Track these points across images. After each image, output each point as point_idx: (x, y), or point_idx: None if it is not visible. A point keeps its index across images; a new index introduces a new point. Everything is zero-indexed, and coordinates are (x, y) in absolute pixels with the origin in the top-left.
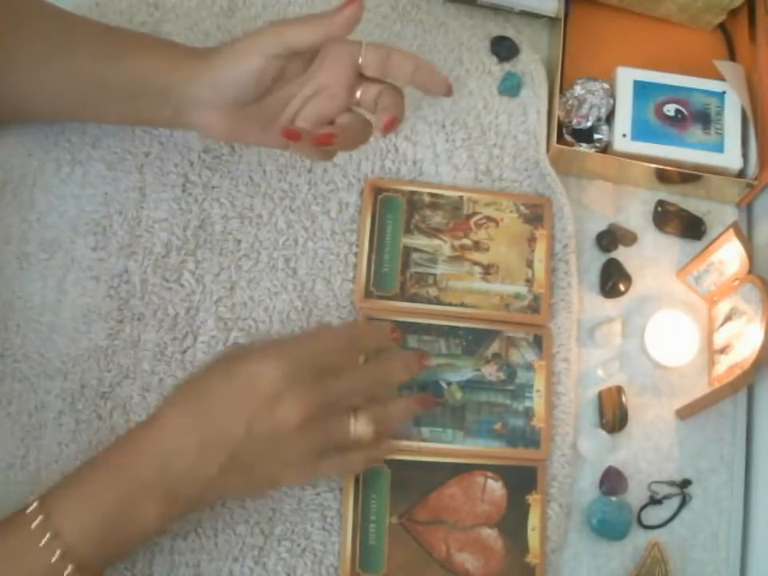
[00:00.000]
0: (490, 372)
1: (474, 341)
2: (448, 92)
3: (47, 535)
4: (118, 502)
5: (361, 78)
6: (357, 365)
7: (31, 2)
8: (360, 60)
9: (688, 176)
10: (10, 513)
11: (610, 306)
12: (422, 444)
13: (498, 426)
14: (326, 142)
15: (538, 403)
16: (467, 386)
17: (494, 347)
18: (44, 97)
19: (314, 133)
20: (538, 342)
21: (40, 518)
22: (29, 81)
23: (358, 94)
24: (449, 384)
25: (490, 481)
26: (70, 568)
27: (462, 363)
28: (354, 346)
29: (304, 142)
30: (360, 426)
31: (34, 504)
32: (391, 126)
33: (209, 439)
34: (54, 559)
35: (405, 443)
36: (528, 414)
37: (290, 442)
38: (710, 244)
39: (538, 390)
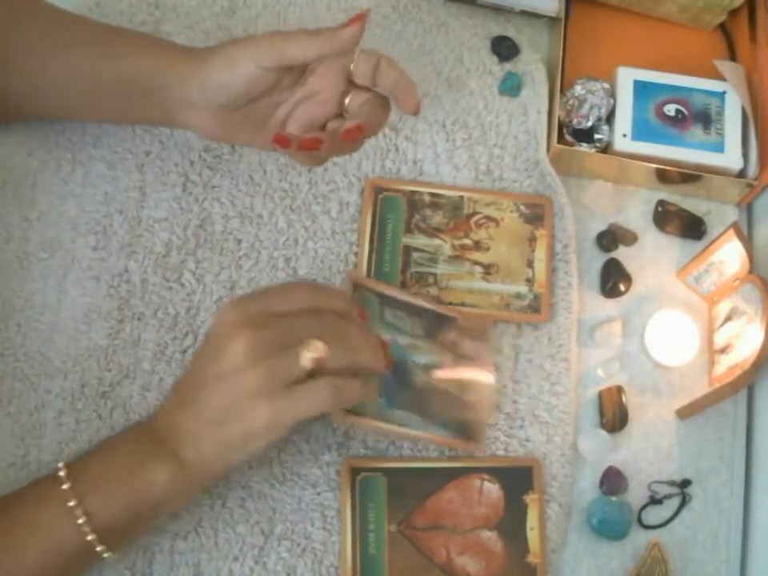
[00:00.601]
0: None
1: (434, 324)
2: (415, 112)
3: (73, 501)
4: (130, 470)
5: (351, 84)
6: (312, 314)
7: (29, 1)
8: (352, 67)
9: (688, 176)
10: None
11: (610, 306)
12: (398, 428)
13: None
14: (312, 146)
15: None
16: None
17: (452, 335)
18: (41, 95)
19: (302, 137)
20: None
21: (67, 484)
22: (27, 80)
23: (347, 100)
24: (415, 365)
25: (486, 483)
26: (92, 536)
27: (425, 346)
28: (315, 302)
29: (293, 146)
30: (309, 352)
31: (62, 471)
32: (353, 133)
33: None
34: (80, 522)
35: (382, 424)
36: None
37: (242, 379)
38: (710, 244)
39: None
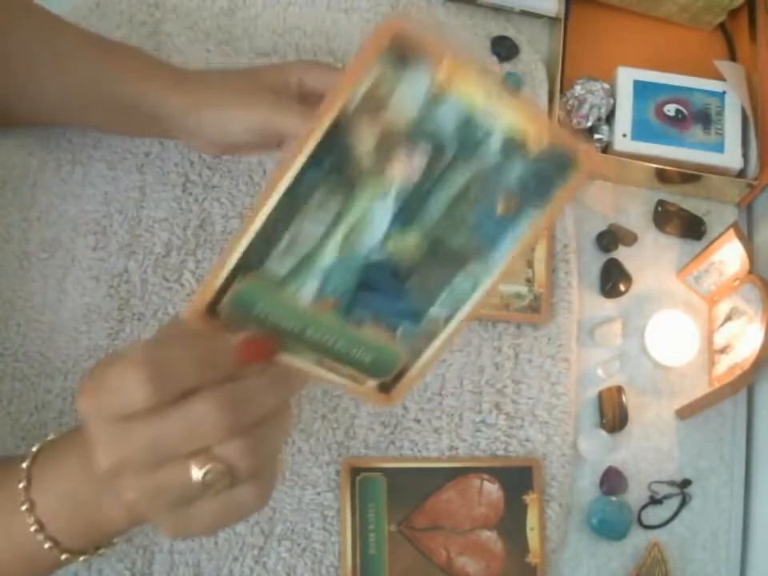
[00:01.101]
0: None
1: None
2: None
3: (25, 505)
4: (90, 491)
5: None
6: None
7: (27, 7)
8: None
9: (688, 176)
10: (10, 454)
11: (610, 306)
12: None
13: None
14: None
15: None
16: None
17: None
18: (37, 103)
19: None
20: None
21: (23, 483)
22: (23, 87)
23: None
24: None
25: (486, 483)
26: (47, 544)
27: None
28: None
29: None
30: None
31: (25, 464)
32: None
33: None
34: (32, 529)
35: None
36: None
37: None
38: (710, 244)
39: None
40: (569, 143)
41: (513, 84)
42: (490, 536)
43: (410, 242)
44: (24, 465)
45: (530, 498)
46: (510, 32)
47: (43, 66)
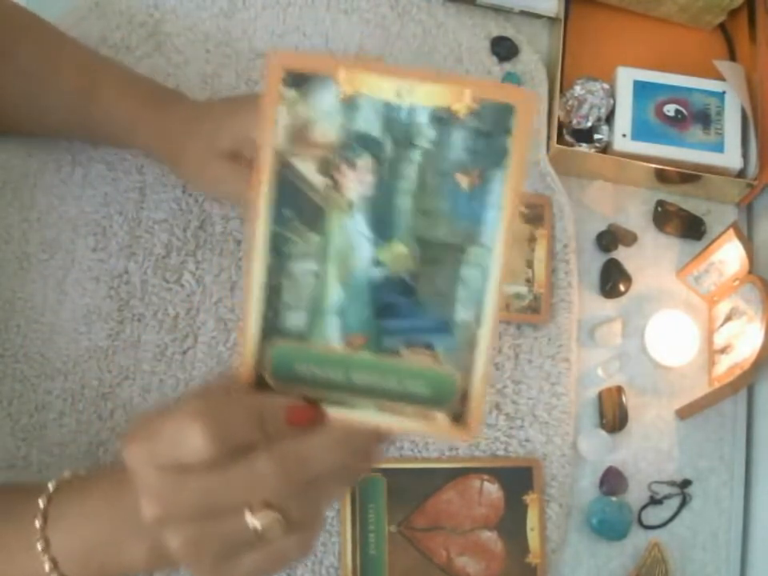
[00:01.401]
0: None
1: None
2: None
3: (40, 543)
4: (109, 535)
5: None
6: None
7: (27, 25)
8: None
9: (688, 176)
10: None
11: (610, 306)
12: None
13: None
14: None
15: None
16: None
17: None
18: (36, 118)
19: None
20: None
21: (39, 522)
22: (16, 101)
23: None
24: None
25: (486, 483)
26: None
27: None
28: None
29: None
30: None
31: (42, 501)
32: None
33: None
34: (46, 567)
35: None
36: None
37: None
38: (710, 244)
39: None
40: (496, 92)
41: (513, 84)
42: (490, 536)
43: (398, 251)
44: (41, 501)
45: (530, 499)
46: (509, 32)
47: (38, 86)
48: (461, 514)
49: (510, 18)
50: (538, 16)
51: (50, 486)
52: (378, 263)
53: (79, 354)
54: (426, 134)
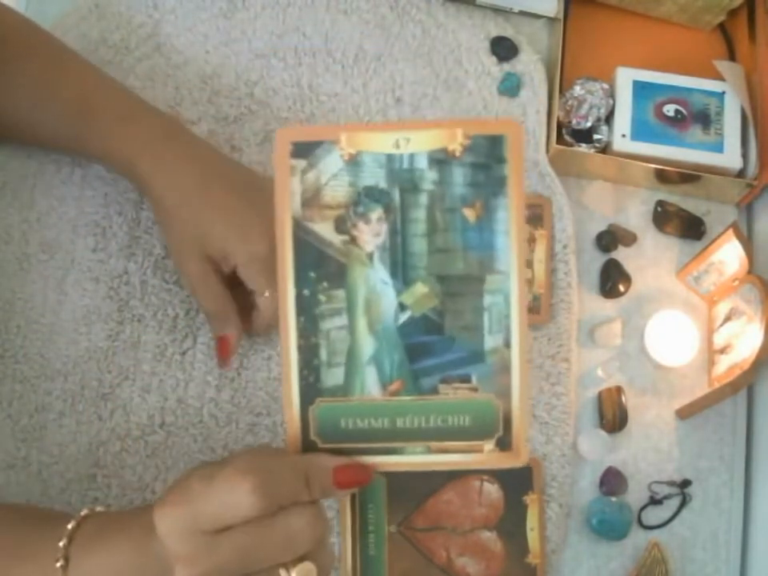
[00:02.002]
0: None
1: None
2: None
3: None
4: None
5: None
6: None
7: (30, 39)
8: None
9: (688, 176)
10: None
11: (610, 306)
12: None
13: None
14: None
15: None
16: None
17: None
18: (35, 130)
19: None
20: None
21: (61, 562)
22: (14, 121)
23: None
24: None
25: (486, 483)
26: None
27: None
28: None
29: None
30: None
31: (62, 543)
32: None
33: None
34: None
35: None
36: None
37: None
38: (710, 244)
39: None
40: (485, 127)
41: (512, 84)
42: (490, 536)
43: (420, 293)
44: (61, 544)
45: (530, 499)
46: (509, 32)
47: (39, 102)
48: (461, 514)
49: (510, 18)
50: (538, 16)
51: (70, 527)
52: (403, 307)
53: (79, 355)
54: (428, 176)
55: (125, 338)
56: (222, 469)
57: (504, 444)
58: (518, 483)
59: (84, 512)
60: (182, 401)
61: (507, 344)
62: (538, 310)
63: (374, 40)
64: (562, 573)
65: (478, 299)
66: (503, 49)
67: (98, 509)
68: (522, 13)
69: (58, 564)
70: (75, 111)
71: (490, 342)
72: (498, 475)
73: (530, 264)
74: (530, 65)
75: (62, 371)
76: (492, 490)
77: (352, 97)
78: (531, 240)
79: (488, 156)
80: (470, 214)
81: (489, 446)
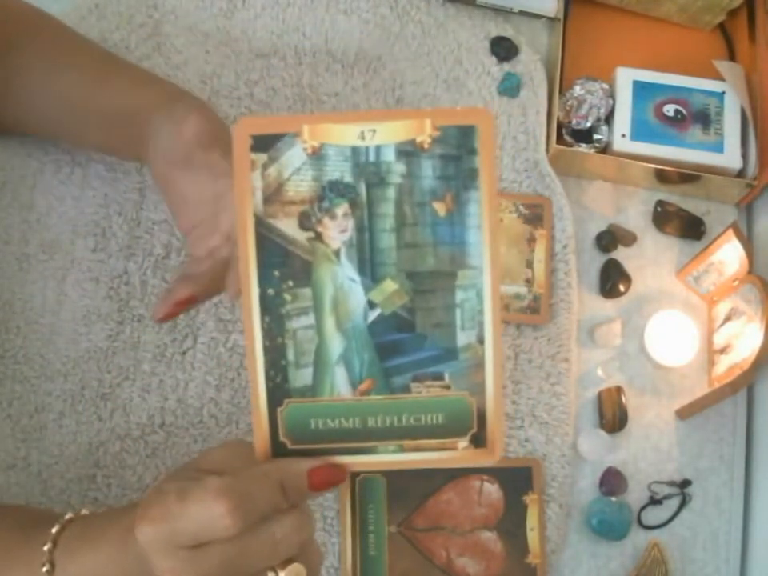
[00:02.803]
0: None
1: None
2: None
3: None
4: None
5: None
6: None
7: (34, 24)
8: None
9: (688, 176)
10: (38, 524)
11: (610, 306)
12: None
13: None
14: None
15: None
16: None
17: None
18: (30, 115)
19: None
20: None
21: (47, 567)
22: (19, 97)
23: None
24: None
25: (485, 484)
26: None
27: None
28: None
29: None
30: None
31: (47, 547)
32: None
33: None
34: None
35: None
36: None
37: None
38: (710, 244)
39: None
40: (455, 116)
41: (512, 85)
42: (489, 537)
43: (389, 289)
44: (45, 548)
45: (530, 499)
46: (509, 32)
47: (42, 80)
48: (461, 515)
49: (510, 19)
50: (538, 16)
51: (54, 531)
52: (372, 305)
53: (79, 355)
54: (396, 169)
55: (125, 338)
56: (195, 486)
57: (479, 441)
58: (518, 483)
59: (68, 516)
60: (182, 401)
61: (480, 340)
62: (538, 309)
63: (373, 40)
64: (561, 573)
65: (449, 295)
66: (503, 49)
67: (84, 512)
68: (522, 13)
69: (44, 569)
70: (89, 78)
71: (463, 338)
72: (498, 475)
73: (530, 264)
74: (529, 65)
75: (62, 371)
76: (492, 490)
77: (352, 97)
78: (531, 240)
79: (458, 147)
80: (440, 207)
81: (463, 443)
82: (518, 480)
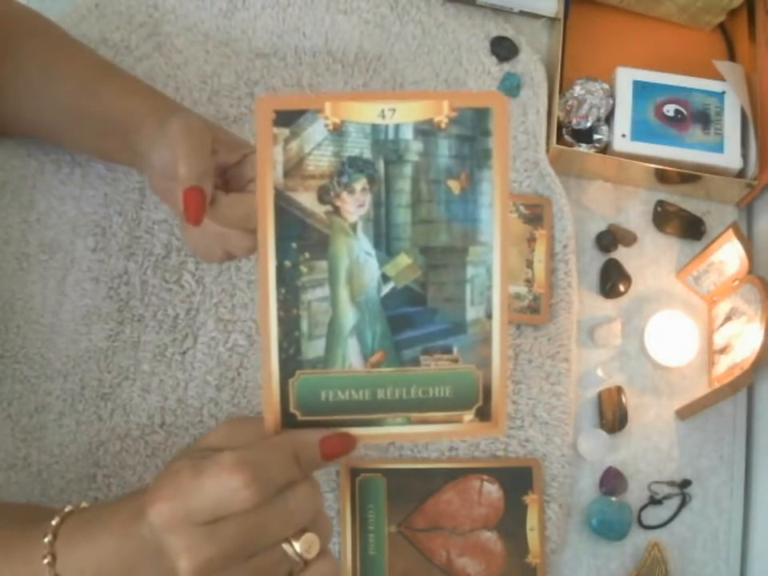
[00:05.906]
0: None
1: None
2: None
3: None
4: (118, 568)
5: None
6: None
7: (30, 27)
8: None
9: (688, 176)
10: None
11: (610, 306)
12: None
13: None
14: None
15: None
16: None
17: None
18: (26, 120)
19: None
20: None
21: (48, 559)
22: (15, 102)
23: None
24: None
25: (485, 484)
26: None
27: None
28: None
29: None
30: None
31: (47, 539)
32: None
33: None
34: None
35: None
36: None
37: None
38: (710, 244)
39: None
40: (472, 99)
41: (512, 84)
42: (490, 537)
43: (403, 263)
44: (46, 540)
45: (530, 499)
46: (509, 32)
47: (39, 90)
48: (461, 515)
49: (510, 18)
50: (538, 16)
51: (54, 523)
52: (386, 279)
53: (79, 355)
54: (413, 147)
55: (125, 338)
56: (209, 462)
57: (484, 414)
58: (517, 483)
59: (68, 508)
60: (182, 401)
61: (489, 315)
62: (538, 310)
63: (373, 40)
64: (561, 573)
65: (460, 271)
66: (503, 49)
67: (83, 504)
68: (522, 13)
69: (45, 561)
70: (76, 87)
71: (472, 313)
72: (498, 475)
73: (529, 264)
74: (529, 65)
75: (62, 371)
76: (492, 489)
77: None
78: (531, 240)
79: (474, 128)
80: (454, 185)
81: (469, 416)
82: (517, 480)
